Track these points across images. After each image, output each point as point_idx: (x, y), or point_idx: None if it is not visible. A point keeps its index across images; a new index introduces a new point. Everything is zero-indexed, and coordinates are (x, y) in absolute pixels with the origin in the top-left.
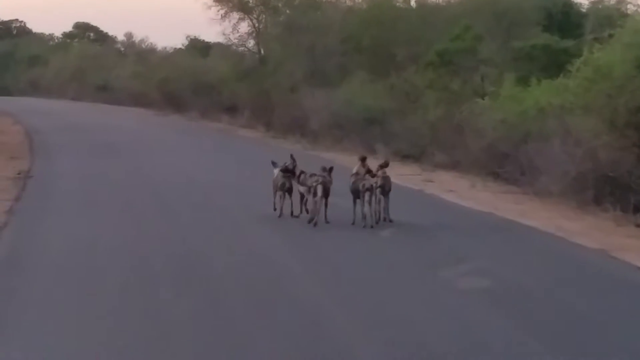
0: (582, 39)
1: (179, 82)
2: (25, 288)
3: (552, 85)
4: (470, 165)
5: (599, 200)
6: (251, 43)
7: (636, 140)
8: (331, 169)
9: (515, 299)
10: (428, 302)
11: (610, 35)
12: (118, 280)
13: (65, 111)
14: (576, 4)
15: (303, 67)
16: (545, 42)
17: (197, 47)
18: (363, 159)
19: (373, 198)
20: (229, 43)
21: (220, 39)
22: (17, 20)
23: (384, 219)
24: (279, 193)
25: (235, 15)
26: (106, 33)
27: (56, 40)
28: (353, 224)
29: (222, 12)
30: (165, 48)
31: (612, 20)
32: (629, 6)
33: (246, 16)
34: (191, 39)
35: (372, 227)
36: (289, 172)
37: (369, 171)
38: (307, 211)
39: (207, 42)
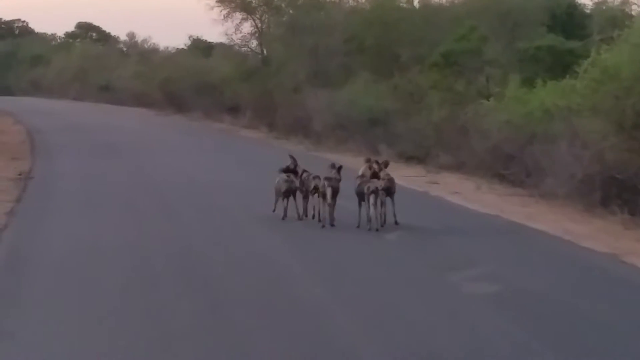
0: (588, 40)
1: (182, 83)
2: (27, 289)
3: (558, 87)
4: (476, 167)
5: (606, 202)
6: (254, 43)
7: None
8: (340, 167)
9: (522, 303)
10: (434, 305)
11: (618, 36)
12: (119, 281)
13: (67, 111)
14: (580, 4)
15: (306, 68)
16: (551, 43)
17: (200, 48)
18: (369, 161)
19: (378, 201)
20: (232, 43)
21: (222, 39)
22: (19, 20)
23: (395, 223)
24: (280, 198)
25: (238, 16)
26: (108, 33)
27: (58, 40)
28: (358, 226)
29: (224, 12)
30: (168, 48)
31: (616, 21)
32: (633, 7)
33: (249, 16)
34: (194, 39)
35: (377, 230)
36: (290, 172)
37: (374, 174)
38: (306, 213)
39: (209, 42)
